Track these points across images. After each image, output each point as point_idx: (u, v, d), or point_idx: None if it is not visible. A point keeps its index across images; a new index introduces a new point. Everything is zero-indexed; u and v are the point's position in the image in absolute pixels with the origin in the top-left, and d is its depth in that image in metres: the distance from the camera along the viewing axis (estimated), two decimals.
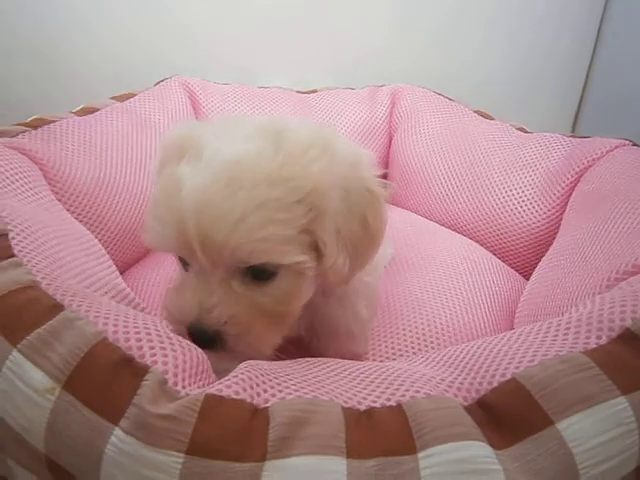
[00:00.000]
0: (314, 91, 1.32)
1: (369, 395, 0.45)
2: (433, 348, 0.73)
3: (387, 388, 0.46)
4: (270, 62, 1.50)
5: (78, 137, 0.87)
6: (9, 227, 0.56)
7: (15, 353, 0.42)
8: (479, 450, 0.39)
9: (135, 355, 0.42)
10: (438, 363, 0.52)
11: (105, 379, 0.40)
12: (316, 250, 0.51)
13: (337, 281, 0.54)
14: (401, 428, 0.41)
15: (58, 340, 0.43)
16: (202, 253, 0.48)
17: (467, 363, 0.50)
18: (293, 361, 0.54)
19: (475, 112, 1.20)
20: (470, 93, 1.40)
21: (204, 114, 1.17)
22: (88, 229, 0.76)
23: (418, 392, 0.45)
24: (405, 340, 0.74)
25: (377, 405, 0.43)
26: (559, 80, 1.65)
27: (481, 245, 1.03)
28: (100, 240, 0.77)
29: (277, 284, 0.51)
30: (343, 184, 0.51)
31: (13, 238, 0.55)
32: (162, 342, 0.44)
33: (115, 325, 0.44)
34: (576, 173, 0.91)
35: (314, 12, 1.48)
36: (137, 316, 0.47)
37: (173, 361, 0.43)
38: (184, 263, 0.54)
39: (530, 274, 0.98)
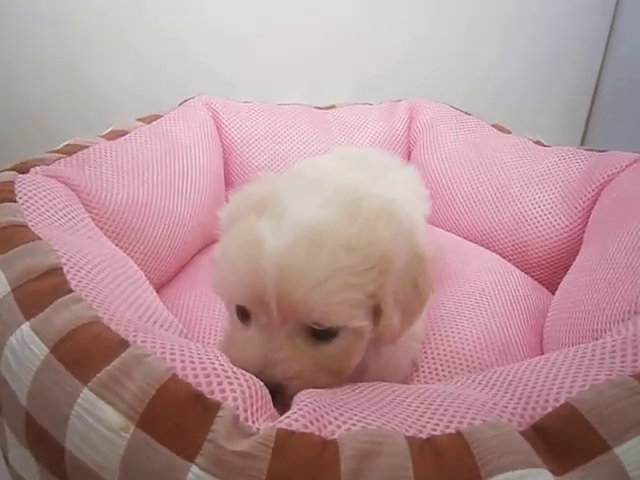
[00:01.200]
0: (332, 107, 1.33)
1: (428, 423, 0.46)
2: (470, 367, 0.75)
3: (444, 415, 0.47)
4: (287, 79, 1.52)
5: (111, 162, 0.88)
6: (62, 260, 0.58)
7: (86, 391, 0.44)
8: (543, 477, 0.41)
9: (205, 391, 0.43)
10: (486, 387, 0.54)
11: (178, 416, 0.42)
12: (374, 312, 0.54)
13: (389, 339, 0.58)
14: (464, 456, 0.42)
15: (129, 377, 0.44)
16: (277, 309, 0.51)
17: (517, 387, 0.51)
18: (349, 388, 0.55)
19: (492, 126, 1.22)
20: (484, 103, 1.42)
21: (227, 133, 1.18)
22: (124, 252, 0.78)
23: (475, 418, 0.46)
24: (441, 358, 0.75)
25: (437, 433, 0.45)
26: (570, 88, 1.66)
27: (504, 258, 1.04)
28: (136, 262, 0.78)
29: (337, 344, 0.54)
30: (406, 250, 0.55)
31: (68, 272, 0.56)
32: (229, 377, 0.45)
33: (182, 361, 0.46)
34: (597, 187, 0.93)
35: (330, 29, 1.50)
36: (199, 349, 0.49)
37: (241, 395, 0.44)
38: (244, 314, 0.56)
39: (553, 287, 0.99)
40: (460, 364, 0.74)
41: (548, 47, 1.62)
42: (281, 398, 0.51)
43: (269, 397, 0.48)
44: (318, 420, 0.44)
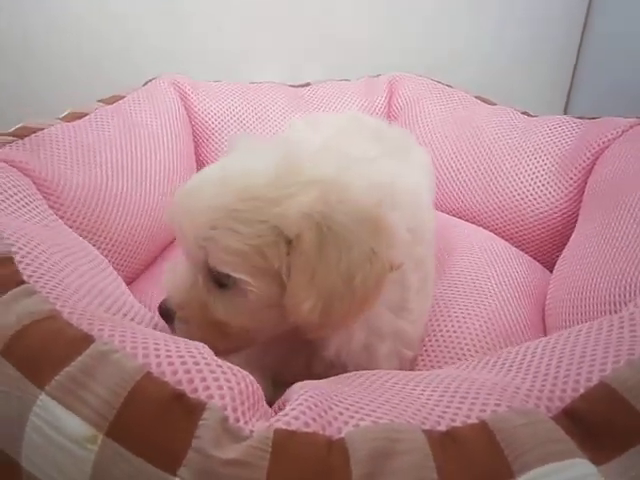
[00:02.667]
0: (307, 84, 1.26)
1: (445, 412, 0.40)
2: (472, 351, 0.69)
3: (462, 402, 0.42)
4: (257, 57, 1.44)
5: (69, 145, 0.80)
6: (14, 249, 0.50)
7: (43, 397, 0.37)
8: (584, 469, 0.35)
9: (186, 389, 0.37)
10: (502, 369, 0.48)
11: (155, 421, 0.35)
12: (282, 284, 0.51)
13: (308, 328, 0.52)
14: (491, 450, 0.36)
15: (93, 378, 0.37)
16: (179, 239, 0.55)
17: (539, 367, 0.46)
18: (348, 377, 0.49)
19: (476, 98, 1.17)
20: (462, 81, 1.36)
21: (197, 114, 1.10)
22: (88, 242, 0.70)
23: (498, 405, 0.41)
24: (443, 342, 0.70)
25: (457, 424, 0.39)
26: (549, 65, 1.63)
27: (498, 235, 0.99)
28: (101, 254, 0.71)
29: (229, 295, 0.53)
30: (330, 231, 0.49)
31: (20, 262, 0.49)
32: (213, 371, 0.39)
33: (157, 356, 0.39)
34: (592, 155, 0.89)
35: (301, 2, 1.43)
36: (177, 342, 0.42)
37: (230, 392, 0.37)
38: None
39: (549, 262, 0.95)
40: (462, 348, 0.69)
41: (528, 17, 1.57)
42: (172, 325, 0.55)
43: (261, 392, 0.42)
44: (321, 416, 0.38)
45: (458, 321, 0.72)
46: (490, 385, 0.44)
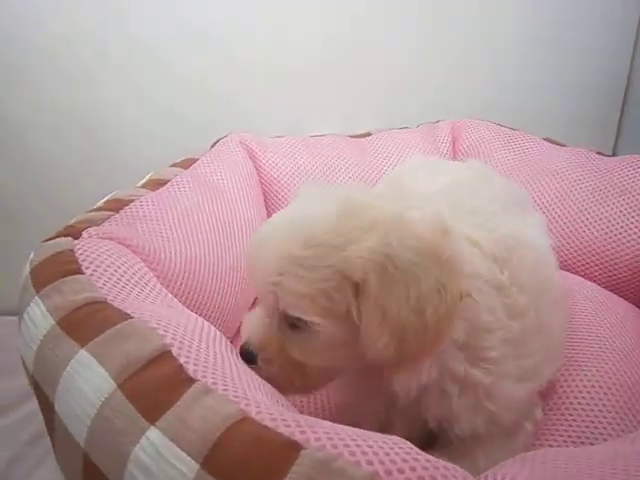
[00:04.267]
0: (368, 134, 1.25)
1: None
2: (613, 410, 0.66)
3: None
4: (314, 110, 1.44)
5: (161, 215, 0.78)
6: (167, 340, 0.47)
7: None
8: None
9: None
10: None
11: None
12: (352, 323, 0.52)
13: (385, 365, 0.53)
14: None
15: None
16: (253, 285, 0.59)
17: None
18: (540, 460, 0.46)
19: (545, 139, 1.16)
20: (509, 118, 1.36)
21: (266, 171, 1.09)
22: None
23: None
24: (578, 403, 0.66)
25: None
26: (598, 96, 1.63)
27: (592, 281, 0.96)
28: None
29: (302, 337, 0.55)
30: (396, 270, 0.50)
31: (179, 354, 0.46)
32: (445, 476, 0.35)
33: (381, 462, 0.35)
34: None
35: (347, 50, 1.44)
36: (386, 441, 0.38)
37: None
38: None
39: None
40: (600, 410, 0.66)
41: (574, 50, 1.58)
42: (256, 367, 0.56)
43: None
44: None
45: (586, 376, 0.69)
46: None
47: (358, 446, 0.37)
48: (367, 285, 0.50)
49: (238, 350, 0.59)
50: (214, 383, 0.43)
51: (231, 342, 0.87)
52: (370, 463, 0.35)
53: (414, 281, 0.49)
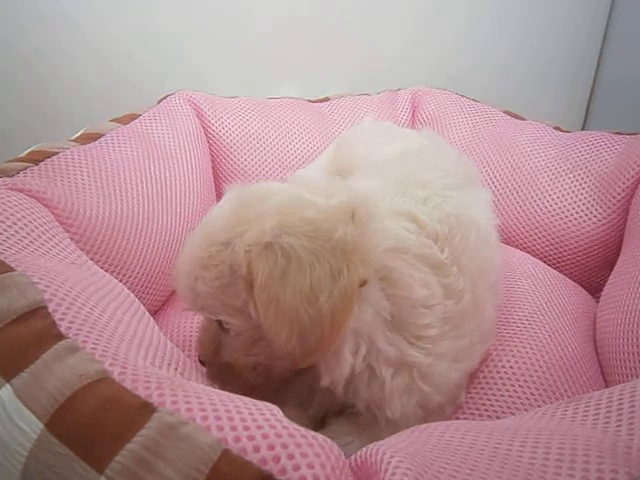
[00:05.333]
0: (326, 99, 1.21)
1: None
2: (533, 387, 0.64)
3: (572, 468, 0.36)
4: (274, 71, 1.40)
5: (87, 170, 0.74)
6: (46, 296, 0.44)
7: None
8: None
9: (273, 471, 0.31)
10: (597, 419, 0.43)
11: None
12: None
13: (294, 359, 0.50)
14: None
15: (162, 459, 0.32)
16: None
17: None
18: (427, 433, 0.44)
19: (504, 112, 1.12)
20: (477, 91, 1.33)
21: (214, 132, 1.05)
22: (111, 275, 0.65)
23: (616, 471, 0.36)
24: (499, 379, 0.65)
25: None
26: (568, 70, 1.59)
27: (537, 257, 0.94)
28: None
29: (226, 337, 0.57)
30: (285, 259, 0.48)
31: (55, 310, 0.43)
32: (299, 444, 0.33)
33: (233, 428, 0.33)
34: (636, 173, 0.84)
35: (319, 17, 1.39)
36: (250, 406, 0.36)
37: (322, 471, 0.32)
38: None
39: (592, 285, 0.91)
40: (521, 386, 0.64)
41: (546, 29, 1.54)
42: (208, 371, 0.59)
43: (345, 460, 0.37)
44: None
45: (514, 355, 0.67)
46: (596, 443, 0.39)
47: (215, 411, 0.35)
48: (255, 277, 0.48)
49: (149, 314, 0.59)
50: (84, 342, 0.41)
51: (162, 307, 0.86)
52: (221, 429, 0.33)
53: (306, 267, 0.47)
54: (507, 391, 0.64)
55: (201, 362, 0.60)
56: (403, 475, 0.34)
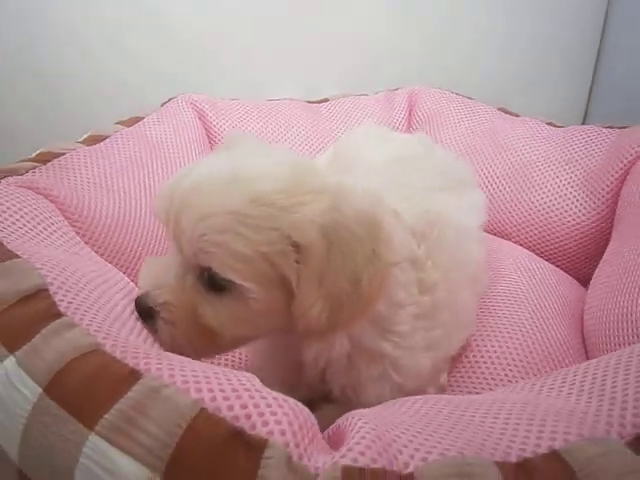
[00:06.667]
0: (325, 100, 1.25)
1: (512, 442, 0.38)
2: (515, 370, 0.67)
3: (529, 430, 0.39)
4: (274, 73, 1.43)
5: (92, 170, 0.79)
6: (48, 280, 0.48)
7: (94, 438, 0.35)
8: None
9: (245, 426, 0.34)
10: (561, 391, 0.46)
11: (215, 462, 0.33)
12: (287, 291, 0.50)
13: (309, 333, 0.51)
14: None
15: (145, 416, 0.35)
16: (173, 234, 0.51)
17: (602, 390, 0.43)
18: (395, 404, 0.47)
19: (499, 110, 1.15)
20: (472, 88, 1.35)
21: (216, 133, 1.09)
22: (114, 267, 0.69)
23: (568, 433, 0.38)
24: (483, 362, 0.68)
25: (528, 454, 0.37)
26: (566, 67, 1.60)
27: (528, 249, 0.97)
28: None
29: (223, 301, 0.51)
30: (338, 237, 0.49)
31: (55, 293, 0.47)
32: (269, 404, 0.37)
33: (210, 390, 0.37)
34: (624, 166, 0.86)
35: (314, 17, 1.42)
36: (227, 373, 0.40)
37: (290, 427, 0.35)
38: None
39: (582, 276, 0.93)
40: (503, 369, 0.67)
41: (543, 26, 1.56)
42: (152, 326, 0.51)
43: (315, 421, 0.40)
44: (386, 450, 0.36)
45: (498, 341, 0.70)
46: (555, 410, 0.42)
47: (195, 376, 0.38)
48: (310, 251, 0.48)
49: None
50: (81, 319, 0.44)
51: None
52: (199, 391, 0.37)
53: (352, 251, 0.49)
54: (490, 374, 0.67)
55: (146, 313, 0.52)
56: (365, 433, 0.37)
